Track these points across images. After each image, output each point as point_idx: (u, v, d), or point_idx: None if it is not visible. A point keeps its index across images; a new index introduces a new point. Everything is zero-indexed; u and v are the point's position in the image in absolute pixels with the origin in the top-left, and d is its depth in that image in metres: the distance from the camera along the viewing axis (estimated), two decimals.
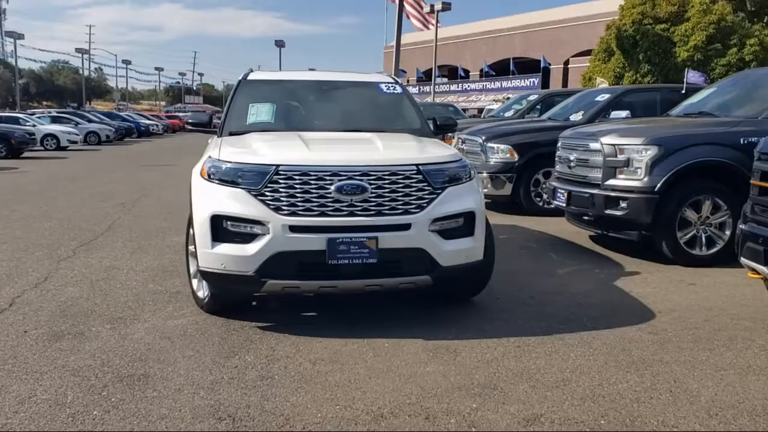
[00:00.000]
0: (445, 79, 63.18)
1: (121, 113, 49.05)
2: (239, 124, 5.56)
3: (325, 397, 3.50)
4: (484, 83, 57.06)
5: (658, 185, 6.44)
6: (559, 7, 53.95)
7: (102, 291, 5.46)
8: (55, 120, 33.25)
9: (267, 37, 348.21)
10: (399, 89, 6.15)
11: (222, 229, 4.35)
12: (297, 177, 4.31)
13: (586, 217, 7.14)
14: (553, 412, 3.32)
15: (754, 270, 4.45)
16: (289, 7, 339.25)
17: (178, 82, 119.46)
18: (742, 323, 4.76)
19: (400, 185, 4.40)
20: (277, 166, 4.34)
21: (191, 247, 5.08)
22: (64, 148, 28.25)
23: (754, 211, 4.47)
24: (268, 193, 4.31)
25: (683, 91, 10.67)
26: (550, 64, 50.62)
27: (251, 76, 6.12)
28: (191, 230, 5.01)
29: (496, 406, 3.39)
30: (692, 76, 10.95)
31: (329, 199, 4.29)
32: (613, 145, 6.74)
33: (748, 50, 16.22)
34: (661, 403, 3.44)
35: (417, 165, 4.48)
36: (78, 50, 76.76)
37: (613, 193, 6.69)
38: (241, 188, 4.36)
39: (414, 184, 4.43)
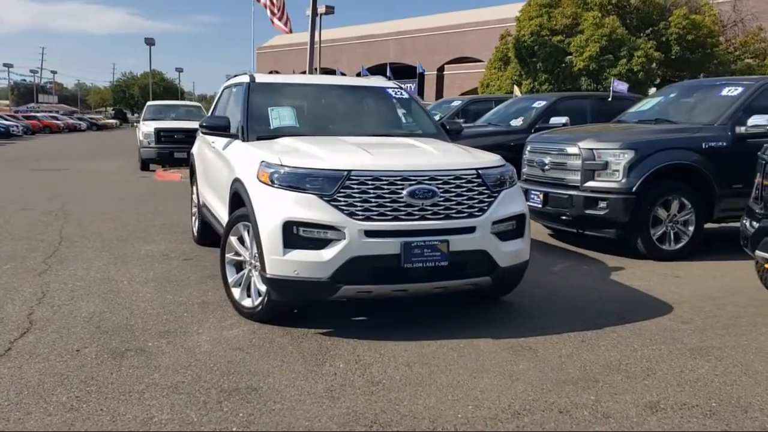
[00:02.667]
0: None
1: None
2: (264, 129, 5.43)
3: (448, 398, 3.55)
4: None
5: (635, 186, 6.96)
6: (431, 15, 55.74)
7: (120, 305, 5.14)
8: None
9: (121, 34, 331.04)
10: (406, 94, 6.24)
11: (293, 235, 4.27)
12: (369, 182, 4.31)
13: (564, 217, 7.55)
14: (666, 399, 3.57)
15: None
16: (140, 4, 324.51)
17: (24, 80, 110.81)
18: (749, 310, 5.28)
19: (464, 189, 4.52)
20: (349, 171, 4.32)
21: (230, 255, 4.94)
22: None
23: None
24: (341, 199, 4.28)
25: (609, 99, 11.54)
26: (425, 71, 52.10)
27: (259, 79, 5.97)
28: (231, 238, 4.88)
29: (612, 397, 3.60)
30: (617, 86, 11.83)
31: (402, 204, 4.33)
32: (591, 149, 7.20)
33: (635, 61, 17.67)
34: (747, 385, 3.78)
35: (477, 169, 4.62)
36: None
37: (592, 194, 7.14)
38: (313, 194, 4.30)
39: (475, 188, 4.56)
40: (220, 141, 5.81)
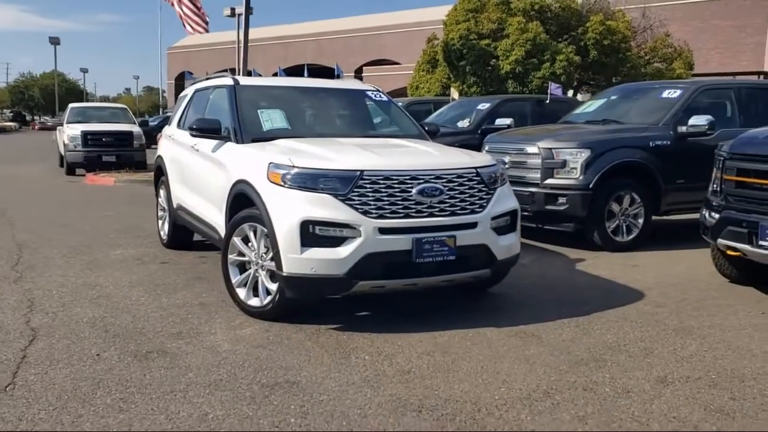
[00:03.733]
0: None
1: None
2: (257, 131, 5.50)
3: (479, 382, 3.78)
4: None
5: (592, 183, 7.43)
6: (348, 17, 56.06)
7: (118, 309, 5.10)
8: None
9: (14, 32, 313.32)
10: (385, 97, 6.43)
11: (310, 234, 4.40)
12: (381, 181, 4.50)
13: (525, 213, 7.91)
14: (671, 374, 3.94)
15: (732, 248, 5.47)
16: (33, 0, 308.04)
17: None
18: (710, 293, 5.78)
19: (466, 187, 4.77)
20: (362, 171, 4.49)
21: (232, 256, 5.01)
22: None
23: (729, 201, 5.49)
24: (355, 198, 4.44)
25: (547, 101, 12.11)
26: (342, 72, 52.26)
27: (243, 82, 6.02)
28: (234, 239, 4.95)
29: (624, 374, 3.93)
30: (554, 89, 12.42)
31: (412, 202, 4.54)
32: (550, 148, 7.63)
33: (558, 65, 18.52)
34: (735, 359, 4.20)
35: (476, 168, 4.88)
36: None
37: (552, 191, 7.56)
38: (327, 193, 4.44)
39: (476, 186, 4.82)
40: (205, 143, 5.82)
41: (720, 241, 5.54)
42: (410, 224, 4.51)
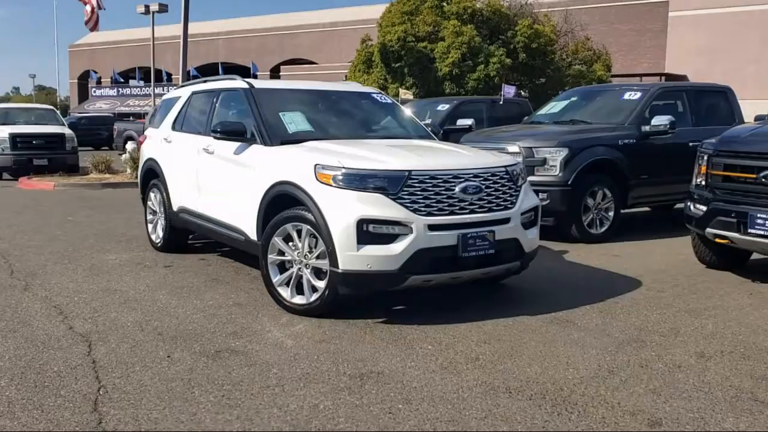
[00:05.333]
0: (142, 82, 60.17)
1: None
2: (284, 133, 5.61)
3: (546, 365, 4.09)
4: None
5: (570, 179, 7.93)
6: (262, 16, 55.45)
7: (156, 312, 5.10)
8: None
9: None
10: (389, 100, 6.66)
11: (364, 231, 4.58)
12: (428, 180, 4.74)
13: None
14: (706, 349, 4.38)
15: (721, 237, 6.03)
16: None
17: None
18: (698, 278, 6.34)
19: (499, 184, 5.08)
20: (410, 171, 4.72)
21: (272, 256, 5.11)
22: None
23: (716, 193, 6.06)
24: (405, 197, 4.66)
25: (501, 102, 12.63)
26: (258, 70, 51.71)
27: (258, 85, 6.09)
28: (275, 239, 5.06)
29: (666, 351, 4.34)
30: (507, 90, 12.95)
31: (455, 199, 4.80)
32: (530, 147, 8.07)
33: (492, 67, 19.21)
34: (750, 334, 4.70)
35: (505, 167, 5.20)
36: None
37: (534, 188, 7.97)
38: (380, 193, 4.64)
39: (506, 184, 5.14)
40: (224, 145, 5.84)
41: (708, 230, 6.09)
42: (455, 221, 4.78)
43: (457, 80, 19.07)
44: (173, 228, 7.02)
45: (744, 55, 28.66)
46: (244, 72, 51.61)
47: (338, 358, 4.13)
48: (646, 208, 10.37)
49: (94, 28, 40.28)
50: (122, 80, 60.23)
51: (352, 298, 5.02)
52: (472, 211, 4.87)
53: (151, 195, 7.45)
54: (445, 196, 4.77)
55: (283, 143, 5.45)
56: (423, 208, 4.68)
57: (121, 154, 20.26)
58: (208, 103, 6.57)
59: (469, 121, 10.93)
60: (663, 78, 30.95)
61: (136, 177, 15.17)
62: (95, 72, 60.38)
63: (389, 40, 19.24)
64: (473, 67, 19.14)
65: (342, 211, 4.62)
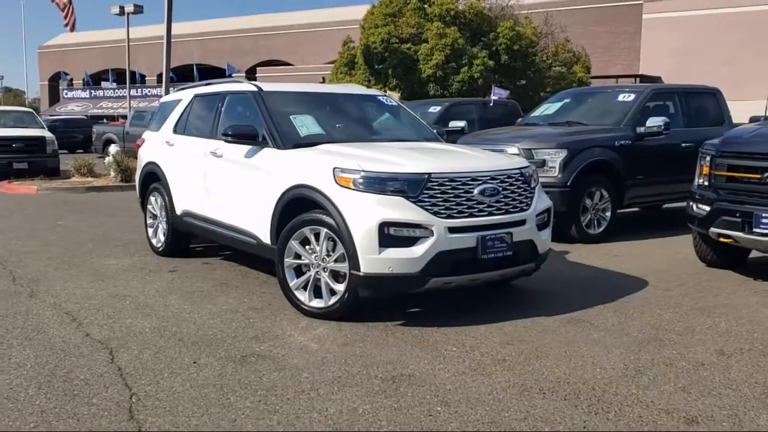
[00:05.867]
0: (115, 84, 59.37)
1: None
2: (296, 136, 5.58)
3: (573, 365, 4.12)
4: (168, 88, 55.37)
5: (569, 180, 8.01)
6: (236, 17, 55.11)
7: (172, 317, 5.04)
8: None
9: None
10: (394, 102, 6.66)
11: (386, 234, 4.58)
12: (447, 183, 4.76)
13: None
14: (725, 347, 4.45)
15: (726, 236, 6.13)
16: None
17: None
18: (702, 277, 6.44)
19: (514, 186, 5.11)
20: (429, 174, 4.73)
21: (289, 259, 5.09)
22: None
23: (720, 194, 6.16)
24: (425, 199, 4.67)
25: (491, 104, 12.71)
26: (234, 71, 51.37)
27: (266, 88, 6.05)
28: (292, 242, 5.04)
29: (687, 350, 4.40)
30: (497, 92, 13.01)
31: (474, 202, 4.83)
32: (530, 149, 8.13)
33: (475, 69, 19.33)
34: (764, 330, 4.80)
35: (519, 169, 5.24)
36: None
37: None
38: (400, 196, 4.64)
39: (521, 186, 5.18)
40: (234, 149, 5.79)
41: (713, 230, 6.19)
42: (474, 223, 4.80)
43: (441, 82, 19.16)
44: (176, 232, 6.94)
45: (718, 56, 29.17)
46: (219, 74, 51.31)
47: (366, 362, 4.13)
48: (636, 209, 10.51)
49: (73, 28, 39.78)
50: (91, 83, 59.37)
51: (371, 300, 5.03)
52: (490, 213, 4.90)
53: (152, 199, 7.36)
54: (464, 199, 4.79)
55: (296, 146, 5.43)
56: (443, 211, 4.70)
57: (101, 157, 20.03)
58: (213, 106, 6.51)
59: (461, 123, 10.91)
60: (637, 80, 31.38)
61: (121, 180, 15.29)
62: (66, 74, 59.49)
63: (372, 41, 19.26)
64: (457, 69, 19.23)
65: (363, 214, 4.61)
